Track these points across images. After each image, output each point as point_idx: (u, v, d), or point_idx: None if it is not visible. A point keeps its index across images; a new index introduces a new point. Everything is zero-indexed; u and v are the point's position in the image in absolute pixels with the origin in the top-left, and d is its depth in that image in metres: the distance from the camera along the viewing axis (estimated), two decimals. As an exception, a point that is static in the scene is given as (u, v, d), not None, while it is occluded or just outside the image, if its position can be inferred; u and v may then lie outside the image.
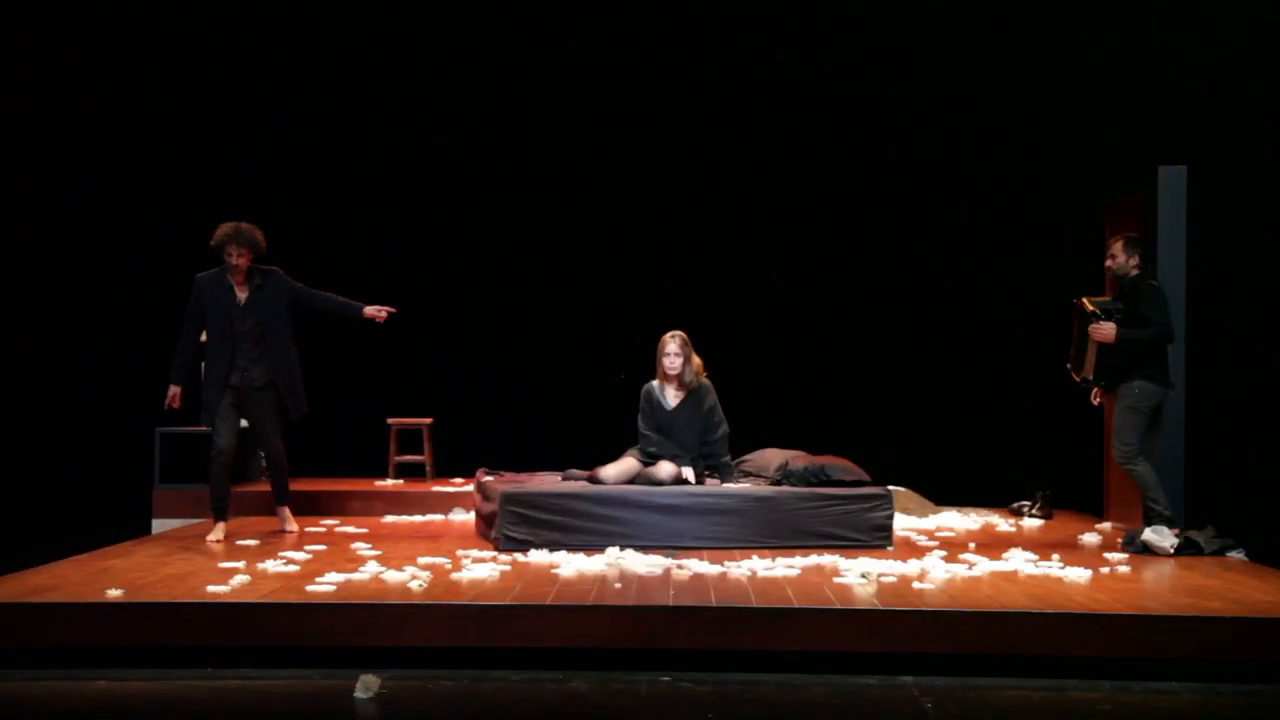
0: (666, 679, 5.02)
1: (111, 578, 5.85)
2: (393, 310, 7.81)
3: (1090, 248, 8.83)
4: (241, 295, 7.42)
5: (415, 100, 10.41)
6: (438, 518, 8.72)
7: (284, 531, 7.61)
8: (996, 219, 9.82)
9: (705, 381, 7.55)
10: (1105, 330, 7.10)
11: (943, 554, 6.66)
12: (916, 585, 5.76)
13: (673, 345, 7.47)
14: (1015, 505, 8.94)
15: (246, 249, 7.37)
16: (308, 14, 10.15)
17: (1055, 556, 6.59)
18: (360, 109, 10.45)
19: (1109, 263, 7.34)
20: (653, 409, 7.54)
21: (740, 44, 10.25)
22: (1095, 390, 7.60)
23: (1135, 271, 7.23)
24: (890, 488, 7.63)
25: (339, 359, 10.44)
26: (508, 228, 10.59)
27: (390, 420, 9.92)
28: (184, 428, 9.20)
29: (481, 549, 6.92)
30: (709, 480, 7.52)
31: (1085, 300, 7.32)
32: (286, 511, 7.73)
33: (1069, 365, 7.53)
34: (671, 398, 7.53)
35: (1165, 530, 6.97)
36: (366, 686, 4.80)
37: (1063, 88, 9.69)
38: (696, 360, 7.51)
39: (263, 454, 7.95)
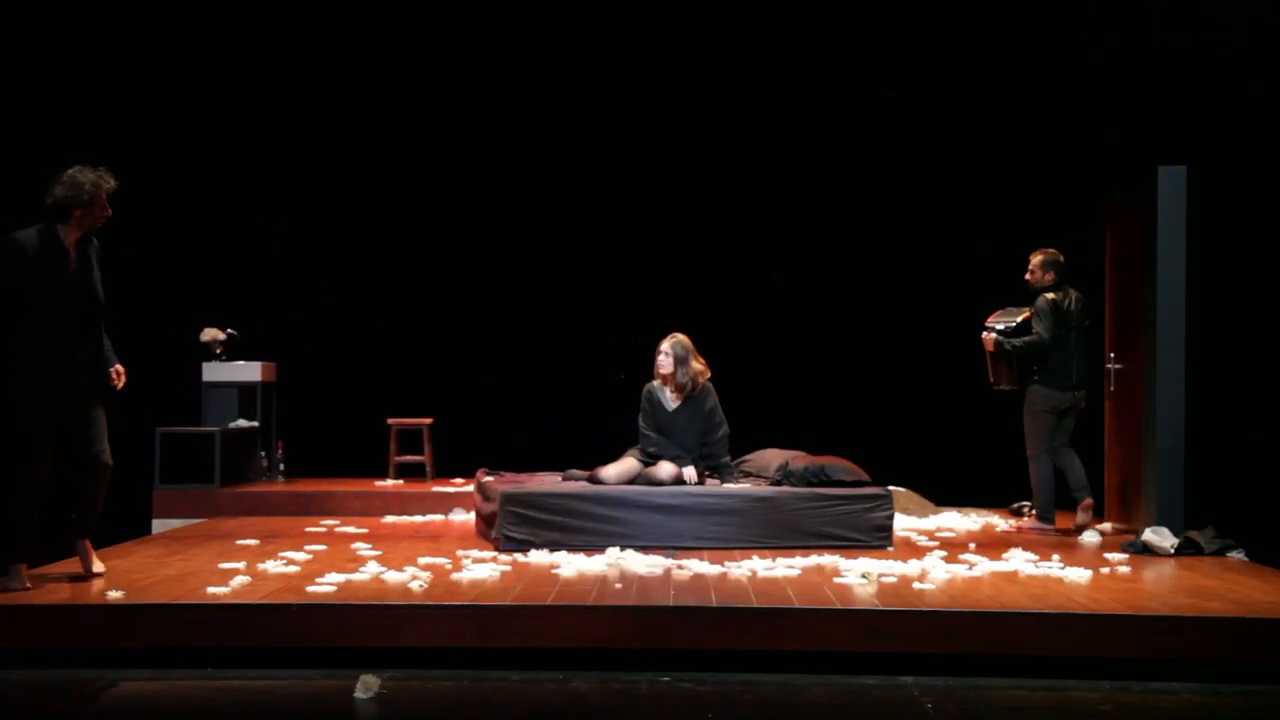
0: (666, 679, 5.02)
1: (111, 578, 5.85)
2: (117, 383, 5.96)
3: (1091, 248, 8.83)
4: (73, 262, 5.71)
5: (415, 100, 10.42)
6: (438, 518, 8.72)
7: (91, 574, 5.89)
8: (997, 219, 9.82)
9: (705, 383, 7.54)
10: (988, 339, 7.95)
11: (943, 554, 6.66)
12: (917, 585, 5.76)
13: (664, 345, 7.49)
14: (1015, 505, 8.94)
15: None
16: (308, 14, 10.16)
17: (1055, 556, 6.59)
18: (360, 109, 10.46)
19: (1028, 276, 7.99)
20: (653, 409, 7.54)
21: (741, 44, 10.26)
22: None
23: (1046, 285, 7.90)
24: (890, 488, 7.63)
25: (339, 359, 10.47)
26: (508, 228, 10.60)
27: (390, 420, 9.92)
28: (184, 428, 9.23)
29: (482, 549, 6.92)
30: (709, 480, 7.52)
31: (996, 314, 8.07)
32: (89, 546, 5.96)
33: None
34: (672, 398, 7.53)
35: (1165, 530, 6.99)
36: (366, 686, 4.80)
37: (1063, 88, 9.70)
38: (697, 365, 7.49)
39: (92, 470, 5.78)
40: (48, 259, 5.61)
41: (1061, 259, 7.96)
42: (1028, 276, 7.99)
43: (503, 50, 10.36)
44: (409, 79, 10.37)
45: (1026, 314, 7.94)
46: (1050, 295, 7.84)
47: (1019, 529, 8.02)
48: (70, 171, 5.67)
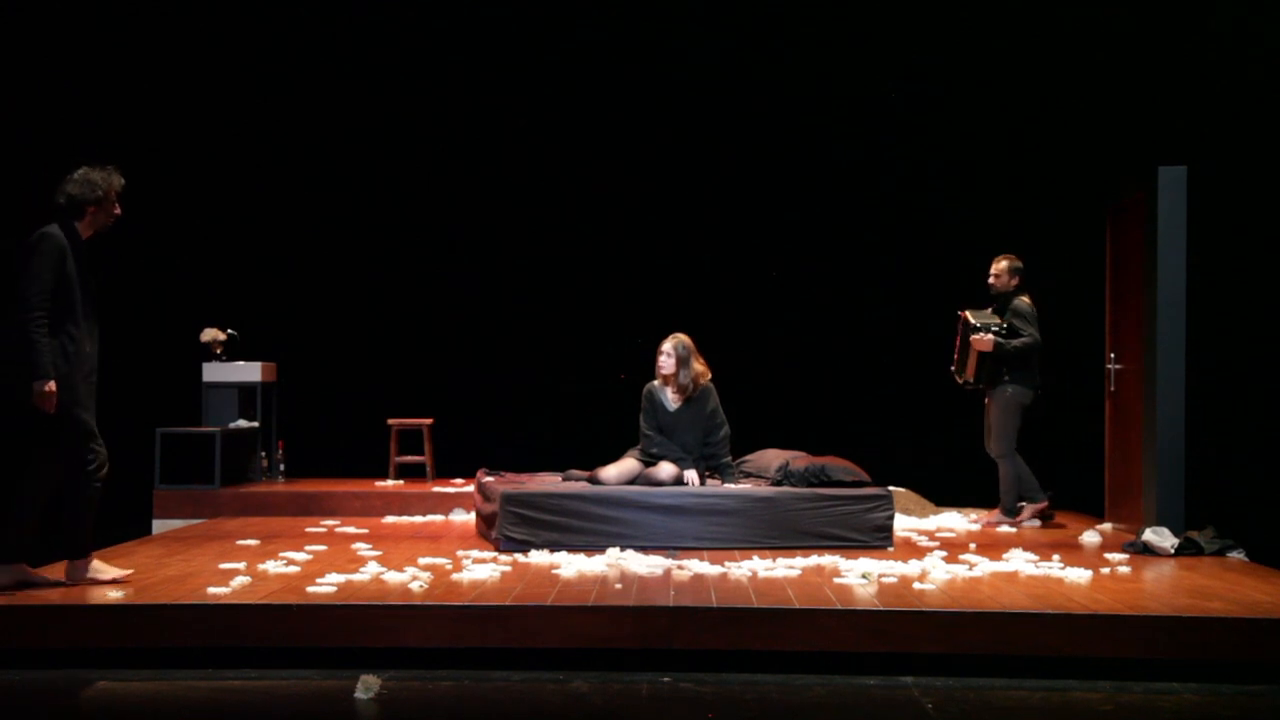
0: (667, 679, 5.02)
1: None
2: None
3: (1091, 249, 8.83)
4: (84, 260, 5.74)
5: (415, 100, 10.42)
6: (438, 518, 8.73)
7: (111, 580, 5.77)
8: (998, 221, 9.82)
9: (706, 384, 7.54)
10: (985, 341, 8.09)
11: (943, 554, 6.67)
12: (917, 586, 5.76)
13: (666, 346, 7.49)
14: (1016, 505, 8.93)
15: None
16: (310, 14, 10.15)
17: (1055, 557, 6.59)
18: (361, 109, 10.46)
19: (992, 280, 8.28)
20: (654, 409, 7.54)
21: (741, 44, 10.26)
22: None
23: (1012, 289, 8.21)
24: (890, 488, 7.64)
25: (339, 359, 10.47)
26: (508, 228, 10.60)
27: (390, 420, 9.92)
28: (184, 428, 9.24)
29: (482, 549, 6.92)
30: (710, 481, 7.52)
31: (968, 314, 8.27)
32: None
33: (952, 369, 8.49)
34: (673, 399, 7.53)
35: (1165, 530, 7.00)
36: (367, 687, 4.80)
37: (1063, 88, 9.70)
38: (698, 366, 7.49)
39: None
40: (75, 255, 5.60)
41: (1022, 264, 8.27)
42: (993, 281, 8.27)
43: (502, 51, 10.36)
44: (408, 78, 10.37)
45: (994, 316, 8.24)
46: (1026, 299, 8.17)
47: (1019, 525, 8.27)
48: (81, 170, 5.70)
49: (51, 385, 5.45)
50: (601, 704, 4.75)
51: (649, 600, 5.37)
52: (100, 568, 5.79)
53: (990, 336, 8.09)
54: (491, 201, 10.57)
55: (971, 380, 8.31)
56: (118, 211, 5.77)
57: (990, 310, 8.33)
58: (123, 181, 5.77)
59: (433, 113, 10.45)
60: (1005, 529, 8.14)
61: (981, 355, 8.17)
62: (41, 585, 5.65)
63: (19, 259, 5.54)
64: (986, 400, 8.40)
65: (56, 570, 5.85)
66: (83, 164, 5.72)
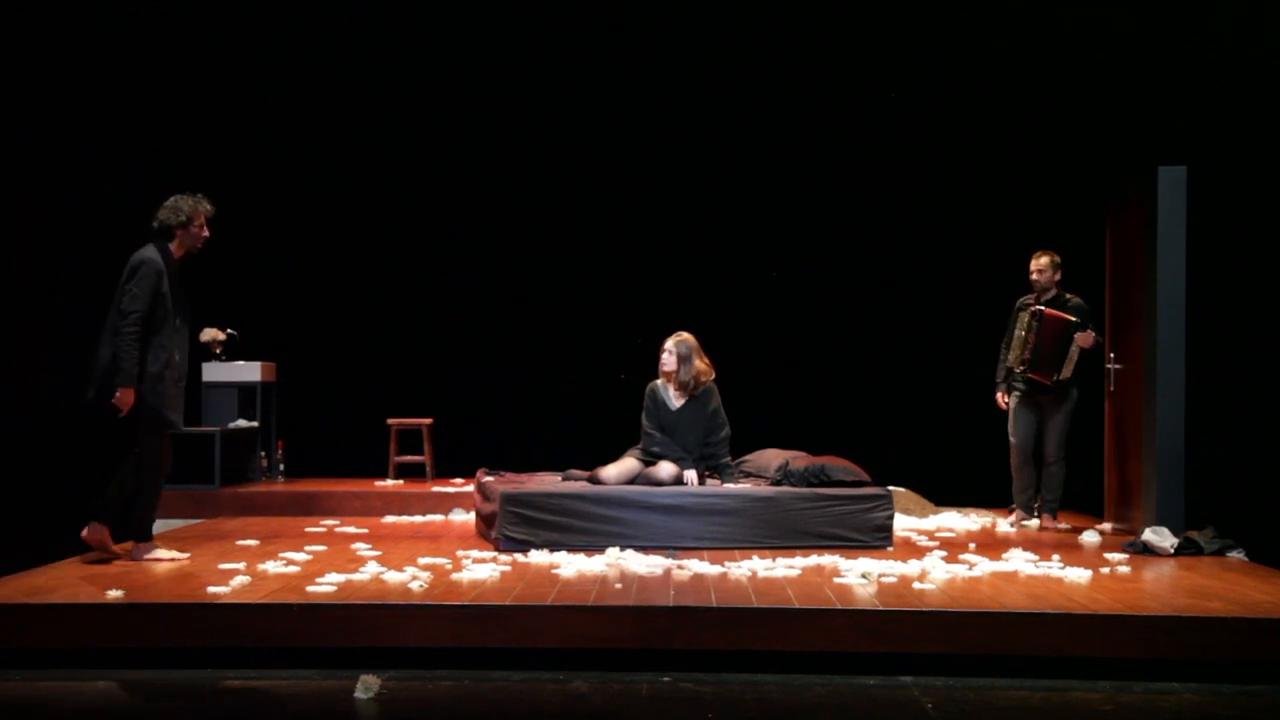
0: (667, 679, 5.02)
1: (111, 578, 5.85)
2: None
3: (1091, 249, 8.83)
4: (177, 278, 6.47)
5: (416, 101, 10.42)
6: (438, 518, 8.73)
7: (162, 559, 6.47)
8: (998, 221, 9.82)
9: (709, 383, 7.54)
10: (1089, 337, 7.93)
11: (943, 554, 6.67)
12: (917, 585, 5.76)
13: (669, 344, 7.50)
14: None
15: None
16: (308, 15, 10.15)
17: (1055, 557, 6.59)
18: (363, 110, 10.46)
19: (1035, 276, 8.16)
20: (656, 407, 7.54)
21: (741, 44, 10.27)
22: (1001, 394, 8.41)
23: (1054, 287, 8.14)
24: (890, 488, 7.64)
25: (339, 359, 10.47)
26: (508, 228, 10.60)
27: (390, 420, 9.92)
28: (184, 428, 9.21)
29: (482, 549, 6.92)
30: (710, 481, 7.52)
31: (1056, 310, 8.04)
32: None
33: (1022, 368, 8.12)
34: (675, 397, 7.53)
35: (1165, 530, 7.00)
36: (367, 686, 4.80)
37: (1063, 88, 9.70)
38: (700, 364, 7.49)
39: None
40: (169, 275, 6.31)
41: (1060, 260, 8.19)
42: (1036, 277, 8.15)
43: (502, 51, 10.37)
44: (408, 78, 10.38)
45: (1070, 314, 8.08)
46: (1077, 297, 8.12)
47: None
48: (173, 197, 6.45)
49: (131, 393, 6.19)
50: (601, 704, 4.75)
51: (649, 600, 5.37)
52: (160, 551, 6.47)
53: (1092, 333, 7.94)
54: (491, 201, 10.57)
55: (1066, 378, 8.02)
56: (206, 234, 6.49)
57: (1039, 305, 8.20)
58: (210, 208, 6.51)
59: (433, 113, 10.45)
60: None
61: (1085, 352, 7.98)
62: (112, 558, 6.34)
63: (124, 279, 6.26)
64: (1003, 403, 8.37)
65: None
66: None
